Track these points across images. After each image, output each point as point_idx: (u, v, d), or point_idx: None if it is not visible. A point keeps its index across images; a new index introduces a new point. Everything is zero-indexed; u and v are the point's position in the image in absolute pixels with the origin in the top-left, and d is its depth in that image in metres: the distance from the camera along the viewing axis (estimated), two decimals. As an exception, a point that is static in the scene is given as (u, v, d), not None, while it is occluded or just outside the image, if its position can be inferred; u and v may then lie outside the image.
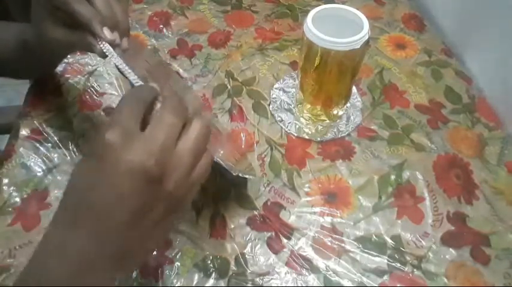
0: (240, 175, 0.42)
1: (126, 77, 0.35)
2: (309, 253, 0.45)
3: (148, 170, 0.25)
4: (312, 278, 0.44)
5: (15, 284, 0.26)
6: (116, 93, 0.60)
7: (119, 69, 0.35)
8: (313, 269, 0.44)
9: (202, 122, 0.28)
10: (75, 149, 0.54)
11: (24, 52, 0.46)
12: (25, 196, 0.49)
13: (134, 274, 0.43)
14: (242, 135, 0.56)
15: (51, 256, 0.25)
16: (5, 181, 0.50)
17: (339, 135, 0.56)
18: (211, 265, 0.44)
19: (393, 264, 0.45)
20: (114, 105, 0.59)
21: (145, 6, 0.75)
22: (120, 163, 0.24)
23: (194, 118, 0.28)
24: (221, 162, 0.38)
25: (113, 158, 0.24)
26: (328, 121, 0.57)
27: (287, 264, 0.45)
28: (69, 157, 0.53)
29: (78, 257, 0.25)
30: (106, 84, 0.61)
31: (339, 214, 0.48)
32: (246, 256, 0.45)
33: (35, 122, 0.56)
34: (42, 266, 0.25)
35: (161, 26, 0.71)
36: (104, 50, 0.37)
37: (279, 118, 0.57)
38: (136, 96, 0.28)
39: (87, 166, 0.26)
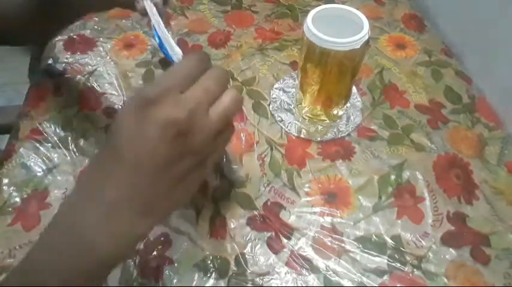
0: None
1: (160, 40, 0.34)
2: (309, 253, 0.45)
3: (178, 123, 0.27)
4: (312, 278, 0.44)
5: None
6: (116, 93, 0.60)
7: (156, 30, 0.35)
8: (313, 269, 0.44)
9: (236, 93, 0.30)
10: (75, 149, 0.54)
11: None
12: (25, 196, 0.49)
13: (134, 274, 0.43)
14: (242, 135, 0.56)
15: (82, 199, 0.28)
16: (5, 181, 0.50)
17: (339, 135, 0.56)
18: (211, 265, 0.44)
19: (393, 264, 0.45)
20: (114, 106, 0.59)
21: (145, 6, 0.75)
22: (153, 115, 0.26)
23: (231, 89, 0.30)
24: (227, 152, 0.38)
25: (148, 112, 0.26)
26: (328, 121, 0.57)
27: (287, 264, 0.45)
28: (69, 157, 0.53)
29: (107, 205, 0.27)
30: (106, 84, 0.61)
31: (339, 214, 0.48)
32: (246, 256, 0.45)
33: (35, 122, 0.56)
34: (74, 210, 0.28)
35: (161, 26, 0.71)
36: (147, 8, 0.36)
37: (279, 118, 0.57)
38: (186, 63, 0.30)
39: (125, 119, 0.28)
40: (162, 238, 0.46)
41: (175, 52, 0.40)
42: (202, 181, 0.32)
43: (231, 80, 0.62)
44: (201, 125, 0.28)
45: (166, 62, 0.64)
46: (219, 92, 0.30)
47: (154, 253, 0.45)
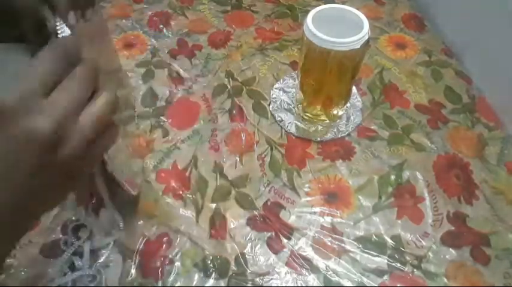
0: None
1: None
2: (309, 253, 0.45)
3: (42, 135, 0.24)
4: (312, 278, 0.44)
5: None
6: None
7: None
8: (313, 269, 0.44)
9: (109, 95, 0.27)
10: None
11: None
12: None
13: (134, 274, 0.43)
14: (242, 135, 0.56)
15: None
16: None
17: (339, 135, 0.56)
18: (211, 265, 0.44)
19: (393, 264, 0.45)
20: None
21: (145, 6, 0.75)
22: (12, 128, 0.24)
23: (103, 89, 0.28)
24: (120, 181, 0.38)
25: (5, 123, 0.24)
26: (328, 121, 0.57)
27: (287, 264, 0.45)
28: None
29: None
30: (106, 84, 0.61)
31: (339, 214, 0.48)
32: (246, 256, 0.45)
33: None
34: None
35: (161, 26, 0.71)
36: (58, 32, 0.33)
37: (279, 118, 0.57)
38: (49, 57, 0.26)
39: None
40: (162, 238, 0.46)
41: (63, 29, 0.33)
42: (73, 191, 0.29)
43: (231, 80, 0.62)
44: (70, 135, 0.25)
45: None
46: (87, 94, 0.27)
47: (155, 253, 0.45)
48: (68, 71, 0.27)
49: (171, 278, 0.43)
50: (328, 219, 0.48)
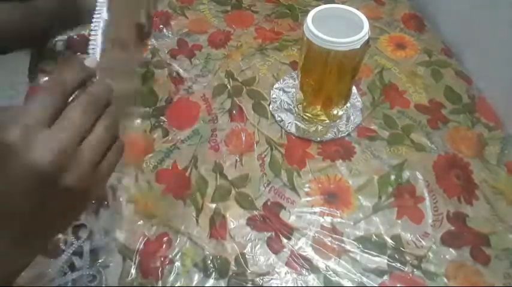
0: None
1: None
2: (309, 253, 0.45)
3: (45, 167, 0.25)
4: (312, 278, 0.44)
5: None
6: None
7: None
8: (313, 269, 0.44)
9: (108, 120, 0.28)
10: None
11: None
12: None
13: (134, 274, 0.43)
14: (242, 135, 0.56)
15: None
16: (5, 181, 0.50)
17: (339, 135, 0.56)
18: (211, 265, 0.44)
19: (393, 264, 0.45)
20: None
21: (145, 6, 0.75)
22: (15, 163, 0.25)
23: (104, 115, 0.28)
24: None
25: (10, 158, 0.25)
26: (328, 121, 0.57)
27: (287, 264, 0.45)
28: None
29: None
30: (106, 84, 0.61)
31: (339, 214, 0.48)
32: (246, 256, 0.45)
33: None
34: None
35: (161, 26, 0.71)
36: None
37: (279, 118, 0.57)
38: (52, 88, 0.27)
39: None
40: (162, 238, 0.46)
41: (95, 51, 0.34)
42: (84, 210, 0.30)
43: (231, 80, 0.62)
44: (73, 163, 0.26)
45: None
46: (90, 122, 0.27)
47: (155, 253, 0.45)
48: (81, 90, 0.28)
49: (171, 278, 0.43)
50: (328, 219, 0.48)
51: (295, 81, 0.61)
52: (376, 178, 0.52)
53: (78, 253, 0.44)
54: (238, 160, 0.53)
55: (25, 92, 0.61)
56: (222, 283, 0.43)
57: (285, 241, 0.46)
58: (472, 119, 0.58)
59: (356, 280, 0.43)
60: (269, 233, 0.47)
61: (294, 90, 0.60)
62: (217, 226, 0.47)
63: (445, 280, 0.44)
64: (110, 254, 0.44)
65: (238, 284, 0.43)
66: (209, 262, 0.45)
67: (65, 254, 0.44)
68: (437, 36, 0.71)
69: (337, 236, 0.47)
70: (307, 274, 0.44)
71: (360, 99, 0.60)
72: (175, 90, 0.61)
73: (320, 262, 0.45)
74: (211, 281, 0.43)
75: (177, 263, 0.44)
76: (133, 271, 0.44)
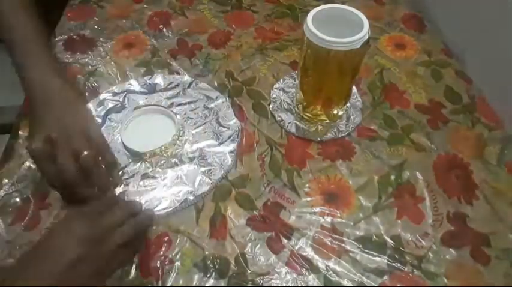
0: None
1: None
2: (309, 253, 0.45)
3: (91, 236, 0.36)
4: (312, 278, 0.44)
5: None
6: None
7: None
8: (313, 269, 0.44)
9: (135, 221, 0.40)
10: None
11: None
12: (25, 196, 0.49)
13: (134, 274, 0.43)
14: (242, 135, 0.56)
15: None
16: (5, 180, 0.50)
17: (339, 136, 0.56)
18: (211, 265, 0.44)
19: (393, 264, 0.45)
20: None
21: (145, 6, 0.75)
22: (75, 228, 0.37)
23: (134, 217, 0.40)
24: None
25: (73, 225, 0.37)
26: (328, 121, 0.57)
27: (287, 264, 0.45)
28: (69, 157, 0.53)
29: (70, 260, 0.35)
30: (106, 84, 0.61)
31: (339, 214, 0.48)
32: (246, 256, 0.45)
33: (35, 122, 0.56)
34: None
35: (161, 26, 0.71)
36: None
37: (279, 118, 0.57)
38: (109, 205, 0.40)
39: (53, 230, 0.39)
40: (162, 238, 0.46)
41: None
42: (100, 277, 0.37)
43: (231, 80, 0.62)
44: (107, 240, 0.37)
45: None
46: (125, 218, 0.39)
47: (155, 253, 0.45)
48: None
49: (171, 278, 0.43)
50: (328, 219, 0.48)
51: (295, 81, 0.61)
52: (376, 178, 0.52)
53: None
54: (238, 160, 0.53)
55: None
56: (222, 283, 0.43)
57: (285, 241, 0.46)
58: (472, 119, 0.58)
59: (356, 280, 0.43)
60: (269, 233, 0.47)
61: (294, 90, 0.60)
62: (217, 226, 0.47)
63: (445, 280, 0.44)
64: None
65: (238, 284, 0.43)
66: (209, 262, 0.45)
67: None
68: (437, 36, 0.71)
69: (337, 236, 0.47)
70: (307, 274, 0.44)
71: (360, 99, 0.60)
72: (175, 90, 0.61)
73: (320, 262, 0.45)
74: (211, 281, 0.43)
75: (177, 263, 0.44)
76: (133, 270, 0.44)
